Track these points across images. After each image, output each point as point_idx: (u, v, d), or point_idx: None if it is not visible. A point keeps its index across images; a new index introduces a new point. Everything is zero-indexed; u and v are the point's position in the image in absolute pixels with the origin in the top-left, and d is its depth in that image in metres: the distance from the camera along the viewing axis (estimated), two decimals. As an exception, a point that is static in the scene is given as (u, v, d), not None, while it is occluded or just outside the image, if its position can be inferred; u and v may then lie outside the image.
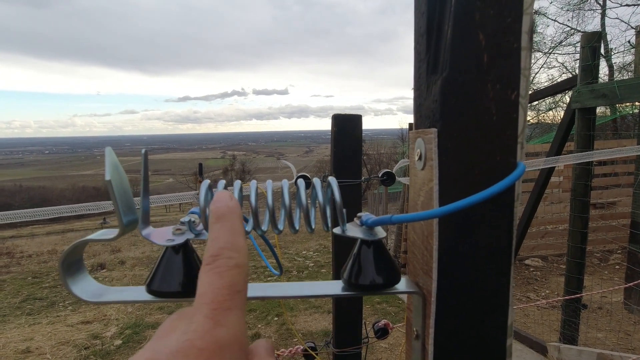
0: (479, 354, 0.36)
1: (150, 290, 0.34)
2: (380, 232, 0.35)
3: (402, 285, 0.37)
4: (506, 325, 0.37)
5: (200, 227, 0.35)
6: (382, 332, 1.02)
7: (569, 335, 2.60)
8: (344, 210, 0.36)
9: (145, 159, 0.35)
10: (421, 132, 0.35)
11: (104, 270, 6.21)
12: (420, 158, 0.35)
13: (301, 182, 0.35)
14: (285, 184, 0.35)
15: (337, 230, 0.36)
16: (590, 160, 2.41)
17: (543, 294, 4.03)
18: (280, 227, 0.35)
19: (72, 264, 0.36)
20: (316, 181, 0.35)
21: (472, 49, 0.31)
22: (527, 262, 4.82)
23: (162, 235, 0.35)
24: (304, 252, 6.78)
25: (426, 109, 0.35)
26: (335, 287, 0.37)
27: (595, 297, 3.61)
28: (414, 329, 0.39)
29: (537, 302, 3.74)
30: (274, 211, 0.35)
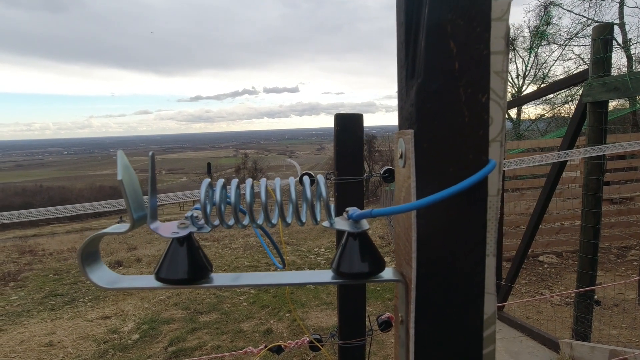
0: (456, 339, 0.39)
1: (158, 278, 0.39)
2: (365, 224, 0.38)
3: (388, 274, 0.41)
4: (482, 314, 0.40)
5: (202, 221, 0.39)
6: (386, 325, 1.05)
7: (582, 331, 2.57)
8: (332, 205, 0.39)
9: (152, 161, 0.39)
10: (402, 133, 0.38)
11: (121, 267, 6.39)
12: (401, 157, 0.38)
13: (292, 180, 0.38)
14: (277, 182, 0.39)
15: (325, 223, 0.39)
16: (602, 154, 2.38)
17: (557, 290, 3.98)
18: (274, 221, 0.39)
19: (90, 255, 0.40)
20: (305, 179, 0.38)
21: (444, 57, 0.34)
22: (540, 258, 4.76)
23: (168, 229, 0.39)
24: (315, 249, 6.84)
25: (406, 111, 0.38)
26: (325, 275, 0.41)
27: (610, 293, 3.55)
28: (400, 315, 0.42)
29: (543, 297, 3.70)
30: (282, 206, 0.39)
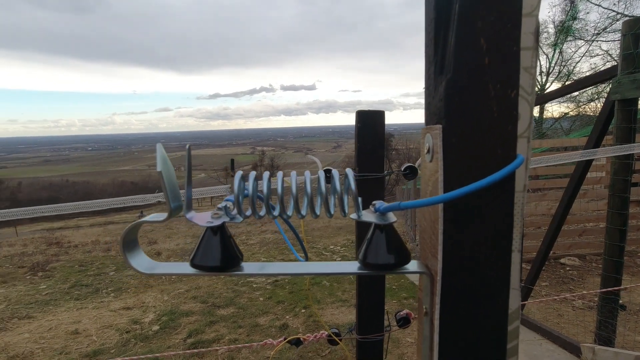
0: (480, 332, 0.39)
1: (193, 265, 0.41)
2: (392, 217, 0.39)
3: (413, 266, 0.42)
4: (507, 307, 0.40)
5: (234, 212, 0.41)
6: (404, 321, 1.06)
7: (605, 336, 2.50)
8: (360, 198, 0.40)
9: (189, 153, 0.41)
10: (429, 128, 0.39)
11: (142, 260, 6.57)
12: (428, 151, 0.39)
13: (321, 173, 0.40)
14: (308, 175, 0.40)
15: (353, 215, 0.40)
16: (631, 153, 2.29)
17: (579, 294, 3.87)
18: (303, 212, 0.40)
19: (130, 242, 0.42)
20: (335, 172, 0.40)
21: (474, 53, 0.34)
22: (562, 260, 4.64)
23: (203, 218, 0.41)
24: (331, 247, 6.85)
25: (434, 107, 0.38)
26: (351, 266, 0.42)
27: (637, 298, 3.43)
28: (424, 307, 0.43)
29: (564, 297, 3.60)
30: (297, 199, 0.40)
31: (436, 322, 0.39)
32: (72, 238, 10.02)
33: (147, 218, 0.41)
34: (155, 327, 3.64)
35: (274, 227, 9.69)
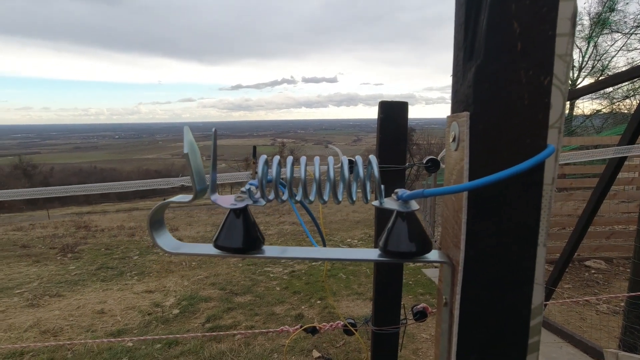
0: (501, 323, 0.39)
1: (216, 246, 0.42)
2: (414, 205, 0.39)
3: (434, 255, 0.41)
4: (530, 302, 0.39)
5: (257, 195, 0.42)
6: (421, 315, 1.05)
7: (631, 342, 2.41)
8: (382, 186, 0.40)
9: (215, 137, 0.41)
10: (455, 116, 0.38)
11: (164, 246, 6.78)
12: (454, 140, 0.39)
13: (345, 159, 0.40)
14: (331, 160, 0.40)
15: (375, 202, 0.40)
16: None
17: (605, 296, 3.73)
18: (325, 197, 0.40)
19: (157, 222, 0.44)
20: (358, 159, 0.40)
21: (506, 38, 0.33)
22: (587, 263, 4.48)
23: (227, 201, 0.41)
24: (348, 240, 6.86)
25: (461, 94, 0.37)
26: (372, 254, 0.42)
27: (668, 305, 3.27)
28: (444, 297, 0.43)
29: (588, 298, 3.48)
30: (320, 184, 0.40)
31: (456, 313, 0.39)
32: (99, 222, 10.43)
33: (173, 199, 0.42)
34: (176, 311, 3.76)
35: (292, 219, 9.77)
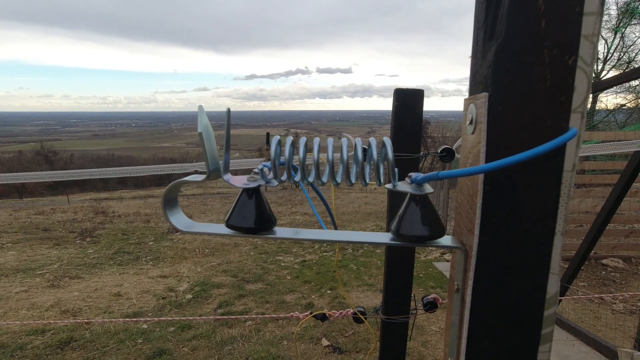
0: (514, 311, 0.38)
1: (228, 225, 0.42)
2: (428, 188, 0.38)
3: (447, 240, 0.41)
4: (545, 291, 0.38)
5: (270, 175, 0.42)
6: (431, 306, 1.05)
7: (648, 342, 2.35)
8: (396, 169, 0.39)
9: (228, 117, 0.41)
10: (473, 98, 0.37)
11: (178, 233, 6.91)
12: (471, 122, 0.38)
13: (359, 140, 0.39)
14: (345, 142, 0.40)
15: (389, 185, 0.40)
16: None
17: (620, 297, 3.65)
18: (338, 179, 0.40)
19: (170, 200, 0.44)
20: (372, 140, 0.39)
21: (529, 14, 0.32)
22: (604, 261, 4.37)
23: (240, 181, 0.42)
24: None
25: (480, 75, 0.36)
26: (384, 237, 0.42)
27: (688, 306, 3.18)
28: (455, 284, 0.42)
29: (604, 295, 3.40)
30: (333, 165, 0.40)
31: (468, 299, 0.39)
32: (116, 208, 10.69)
33: (186, 178, 0.43)
34: (189, 296, 3.85)
35: (305, 209, 9.81)
